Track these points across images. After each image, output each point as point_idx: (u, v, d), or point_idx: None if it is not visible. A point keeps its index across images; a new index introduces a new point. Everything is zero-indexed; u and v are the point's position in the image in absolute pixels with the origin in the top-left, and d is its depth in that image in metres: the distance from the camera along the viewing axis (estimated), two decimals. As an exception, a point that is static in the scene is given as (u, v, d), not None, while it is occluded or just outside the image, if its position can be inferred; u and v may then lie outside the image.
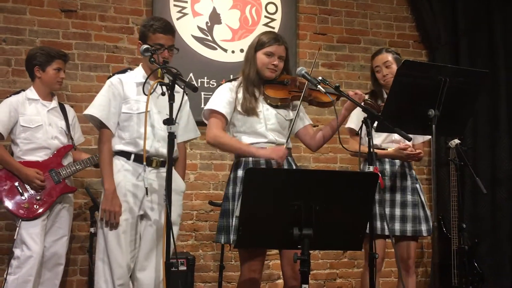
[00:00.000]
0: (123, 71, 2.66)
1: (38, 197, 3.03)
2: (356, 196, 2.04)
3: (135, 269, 2.55)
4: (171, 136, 2.27)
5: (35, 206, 3.01)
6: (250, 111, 2.52)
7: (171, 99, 2.29)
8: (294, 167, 2.60)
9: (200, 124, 3.51)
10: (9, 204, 2.98)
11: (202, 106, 3.85)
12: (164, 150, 2.56)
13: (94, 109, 2.57)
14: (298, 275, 2.02)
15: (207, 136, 2.56)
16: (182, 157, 2.74)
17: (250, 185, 1.90)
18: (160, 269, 2.54)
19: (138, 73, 2.64)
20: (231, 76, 3.99)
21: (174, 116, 2.29)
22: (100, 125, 2.58)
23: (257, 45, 2.58)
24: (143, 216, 2.57)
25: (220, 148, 2.65)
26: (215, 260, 3.81)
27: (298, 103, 2.59)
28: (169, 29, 2.59)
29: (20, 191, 3.01)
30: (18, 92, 3.19)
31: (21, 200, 3.01)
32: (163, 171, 2.59)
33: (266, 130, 2.55)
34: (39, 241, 2.97)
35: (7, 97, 3.17)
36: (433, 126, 2.40)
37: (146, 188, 2.49)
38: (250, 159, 2.52)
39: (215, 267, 3.75)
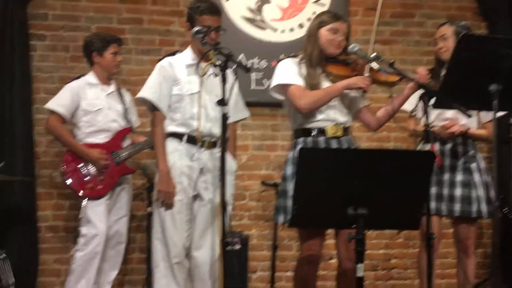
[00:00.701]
0: (173, 53, 2.70)
1: (101, 178, 3.14)
2: (413, 175, 1.98)
3: (191, 248, 2.62)
4: (225, 117, 2.28)
5: (98, 186, 3.12)
6: (314, 87, 2.45)
7: (224, 81, 2.29)
8: (353, 147, 2.55)
9: (249, 104, 3.54)
10: (74, 184, 3.11)
11: (252, 87, 3.84)
12: (215, 130, 2.60)
13: (146, 92, 2.62)
14: (352, 255, 2.00)
15: (298, 105, 2.43)
16: (232, 137, 2.76)
17: (303, 165, 1.88)
18: (215, 247, 2.59)
19: (188, 55, 2.66)
20: (282, 55, 3.97)
21: (226, 97, 2.30)
22: (152, 108, 2.63)
23: (320, 22, 2.51)
24: (197, 196, 2.62)
25: (318, 106, 2.45)
26: (267, 239, 3.84)
27: None
28: (215, 10, 2.59)
29: (84, 172, 3.14)
30: (78, 78, 3.29)
31: (85, 180, 3.13)
32: (216, 151, 2.63)
33: (327, 107, 2.49)
34: (104, 220, 3.09)
35: (68, 82, 3.29)
36: (495, 101, 2.28)
37: (201, 169, 2.54)
38: (309, 139, 2.46)
39: (268, 246, 3.77)
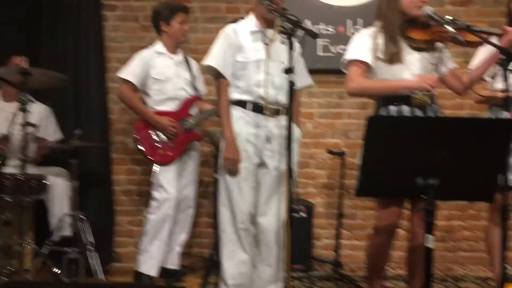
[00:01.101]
0: (235, 21, 2.68)
1: (171, 144, 3.24)
2: (489, 144, 1.86)
3: (256, 214, 2.64)
4: (291, 85, 2.24)
5: (168, 152, 3.22)
6: (394, 57, 2.36)
7: (291, 48, 2.25)
8: (439, 115, 2.44)
9: (315, 71, 3.47)
10: (146, 150, 3.22)
11: (318, 53, 3.76)
12: (280, 98, 2.58)
13: (210, 59, 2.63)
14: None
15: (347, 87, 2.44)
16: (296, 105, 2.72)
17: (371, 133, 1.82)
18: (280, 214, 2.61)
19: (251, 22, 2.63)
20: (349, 21, 3.85)
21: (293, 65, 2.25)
22: (217, 75, 2.63)
23: None
24: (262, 164, 2.62)
25: (365, 94, 2.50)
26: (332, 208, 3.81)
27: (441, 45, 2.41)
28: None
29: (155, 138, 3.24)
30: (147, 47, 3.37)
31: (157, 146, 3.23)
32: (281, 119, 2.61)
33: (412, 76, 2.39)
34: (174, 184, 3.19)
35: (138, 52, 3.38)
36: None
37: (267, 137, 2.53)
38: (392, 108, 2.38)
39: (333, 215, 3.75)
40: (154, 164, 3.22)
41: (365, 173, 1.90)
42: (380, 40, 2.41)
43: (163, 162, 3.21)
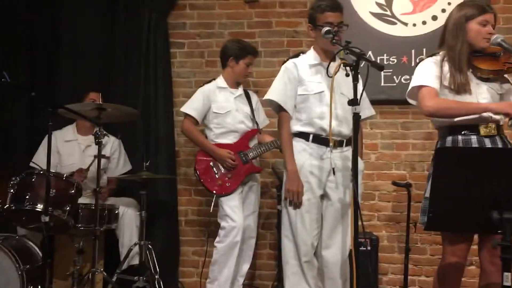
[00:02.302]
0: (296, 55, 2.72)
1: (229, 176, 3.28)
2: None
3: (320, 247, 2.61)
4: (356, 117, 2.24)
5: (227, 184, 3.27)
6: (461, 87, 2.30)
7: (355, 79, 2.25)
8: (508, 145, 2.33)
9: (379, 102, 3.41)
10: (205, 181, 3.29)
11: (382, 84, 3.71)
12: (342, 129, 2.58)
13: (272, 93, 2.67)
14: (496, 259, 1.82)
15: (424, 106, 2.31)
16: (360, 136, 2.68)
17: (441, 165, 1.76)
18: (345, 247, 2.57)
19: (311, 56, 2.67)
20: (412, 51, 3.79)
21: (358, 97, 2.25)
22: (279, 109, 2.67)
23: (468, 15, 2.33)
24: (324, 196, 2.60)
25: (444, 114, 2.32)
26: (399, 241, 3.67)
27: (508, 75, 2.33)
28: (336, 6, 2.55)
29: (214, 170, 3.30)
30: (210, 81, 3.47)
31: (215, 177, 3.29)
32: (345, 150, 2.60)
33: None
34: (239, 212, 3.23)
35: (201, 86, 3.48)
36: None
37: (333, 169, 2.51)
38: (459, 137, 2.31)
39: (400, 249, 3.62)
40: (215, 195, 3.26)
41: (435, 206, 1.83)
42: (446, 68, 2.34)
43: (221, 193, 3.26)
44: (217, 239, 3.25)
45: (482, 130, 2.28)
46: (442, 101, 2.32)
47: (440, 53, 2.41)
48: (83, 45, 3.94)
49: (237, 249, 3.19)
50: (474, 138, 2.29)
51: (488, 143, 2.27)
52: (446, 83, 2.34)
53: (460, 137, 2.31)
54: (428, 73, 2.37)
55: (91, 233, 3.08)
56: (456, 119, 2.31)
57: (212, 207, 3.31)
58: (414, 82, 2.41)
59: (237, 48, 3.39)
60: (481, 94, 2.33)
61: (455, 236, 2.26)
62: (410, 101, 2.49)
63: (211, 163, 3.31)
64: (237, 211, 3.23)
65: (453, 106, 2.31)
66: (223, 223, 3.24)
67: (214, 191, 3.28)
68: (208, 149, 3.32)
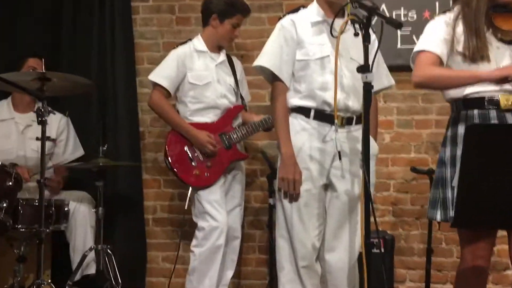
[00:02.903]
0: (295, 10, 2.68)
1: (208, 164, 3.28)
2: None
3: (323, 250, 2.62)
4: (367, 87, 2.22)
5: (205, 173, 3.27)
6: (477, 53, 2.30)
7: (366, 40, 2.23)
8: None
9: (395, 68, 3.41)
10: (179, 170, 3.29)
11: (399, 46, 3.71)
12: (351, 103, 2.57)
13: (264, 59, 2.65)
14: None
15: (412, 76, 2.41)
16: (373, 112, 2.69)
17: (472, 146, 1.77)
18: (353, 249, 2.58)
19: (313, 11, 2.64)
20: (436, 3, 3.79)
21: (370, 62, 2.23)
22: (272, 78, 2.65)
23: None
24: (328, 186, 2.61)
25: (435, 85, 2.45)
26: (419, 242, 3.72)
27: None
28: None
29: (190, 156, 3.29)
30: (185, 42, 3.44)
31: (191, 166, 3.28)
32: (355, 129, 2.59)
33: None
34: (221, 208, 3.24)
35: (174, 48, 3.44)
36: None
37: (339, 152, 2.51)
38: (475, 112, 2.33)
39: (421, 251, 3.66)
40: (191, 188, 3.27)
41: (464, 198, 1.85)
42: (460, 29, 2.36)
43: (199, 186, 3.25)
44: (194, 242, 3.26)
45: (503, 103, 2.30)
46: (433, 69, 2.34)
47: (455, 9, 2.41)
48: (22, 2, 3.89)
49: (220, 254, 3.20)
50: (493, 112, 2.31)
51: (510, 119, 2.30)
52: (459, 48, 2.35)
53: (475, 112, 2.33)
54: (433, 35, 2.37)
55: (34, 235, 3.06)
56: (466, 91, 2.33)
57: (187, 202, 3.31)
58: (417, 45, 2.44)
59: (224, 4, 3.34)
60: (503, 61, 2.33)
61: (475, 233, 2.28)
62: (412, 65, 2.49)
63: (185, 148, 3.30)
64: (218, 208, 3.23)
65: (444, 74, 2.34)
66: (201, 223, 3.24)
67: (190, 183, 3.27)
68: (182, 130, 3.30)
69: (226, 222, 3.23)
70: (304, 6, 2.70)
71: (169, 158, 3.30)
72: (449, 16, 2.41)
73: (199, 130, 3.29)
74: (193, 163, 3.28)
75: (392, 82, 2.81)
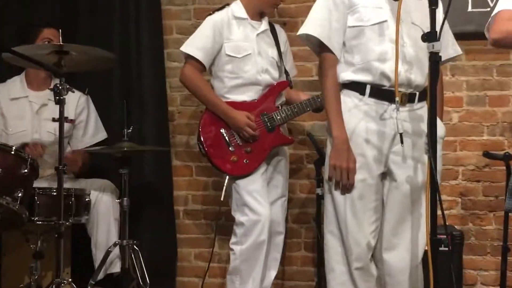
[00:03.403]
0: None
1: (248, 149, 3.29)
2: None
3: (380, 248, 2.62)
4: (435, 58, 2.20)
5: (244, 160, 3.28)
6: None
7: (434, 3, 2.22)
8: None
9: (465, 36, 3.34)
10: (213, 156, 3.30)
11: (469, 9, 3.65)
12: (414, 76, 2.55)
13: (310, 26, 2.63)
14: None
15: (491, 32, 2.47)
16: (438, 87, 2.64)
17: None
18: (416, 248, 2.58)
19: None
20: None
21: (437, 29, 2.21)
22: (320, 48, 2.64)
23: None
24: (386, 175, 2.60)
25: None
26: (493, 238, 3.68)
27: None
28: None
29: (227, 140, 3.30)
30: (221, 8, 3.42)
31: (228, 151, 3.29)
32: (418, 107, 2.58)
33: None
34: (264, 200, 3.25)
35: (209, 14, 3.42)
36: None
37: (401, 134, 2.49)
38: None
39: (494, 250, 3.63)
40: (227, 176, 3.28)
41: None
42: None
43: (237, 174, 3.27)
44: (233, 239, 3.29)
45: None
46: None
47: None
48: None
49: (263, 252, 3.23)
50: None
51: None
52: None
53: None
54: None
55: (52, 229, 3.11)
56: None
57: (223, 193, 3.32)
58: (497, 6, 2.48)
59: None
60: None
61: None
62: (486, 34, 2.55)
63: (222, 130, 3.31)
64: (260, 199, 3.25)
65: None
66: (240, 217, 3.26)
67: (226, 171, 3.29)
68: (218, 109, 3.31)
69: (268, 215, 3.24)
70: None
71: (203, 142, 3.32)
72: None
73: (237, 110, 3.29)
74: (230, 148, 3.30)
75: (460, 51, 2.79)
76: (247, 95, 3.35)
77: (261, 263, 3.23)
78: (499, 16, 2.45)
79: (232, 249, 3.29)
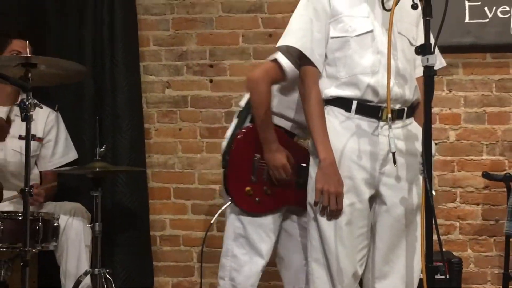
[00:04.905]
0: None
1: (268, 190, 3.02)
2: None
3: (372, 278, 2.61)
4: (429, 72, 2.21)
5: (256, 198, 3.02)
6: None
7: (428, 14, 2.23)
8: None
9: (462, 49, 3.38)
10: (231, 175, 3.03)
11: (467, 19, 3.68)
12: (402, 91, 2.55)
13: (291, 37, 2.62)
14: None
15: None
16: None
17: None
18: (410, 276, 2.57)
19: None
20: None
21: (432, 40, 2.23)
22: (301, 61, 2.63)
23: None
24: (376, 198, 2.59)
25: None
26: (493, 266, 3.71)
27: None
28: None
29: (255, 166, 3.03)
30: None
31: (248, 179, 3.02)
32: (408, 123, 2.59)
33: None
34: (270, 238, 3.02)
35: None
36: None
37: (393, 154, 2.48)
38: None
39: (495, 277, 3.65)
40: (230, 202, 3.04)
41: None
42: None
43: (240, 207, 3.03)
44: (222, 273, 3.06)
45: None
46: None
47: None
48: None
49: None
50: None
51: None
52: None
53: None
54: None
55: (17, 257, 3.10)
56: None
57: (215, 216, 3.13)
58: None
59: None
60: None
61: None
62: None
63: (256, 155, 3.02)
64: (266, 238, 3.01)
65: None
66: (236, 250, 3.03)
67: (233, 198, 3.02)
68: (265, 134, 2.97)
69: (270, 254, 3.04)
70: None
71: (231, 153, 3.06)
72: None
73: (281, 149, 2.99)
74: (252, 177, 3.05)
75: (444, 63, 2.76)
76: None
77: None
78: None
79: (219, 285, 3.08)
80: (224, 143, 3.08)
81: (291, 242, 3.10)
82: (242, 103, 3.14)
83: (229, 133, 3.10)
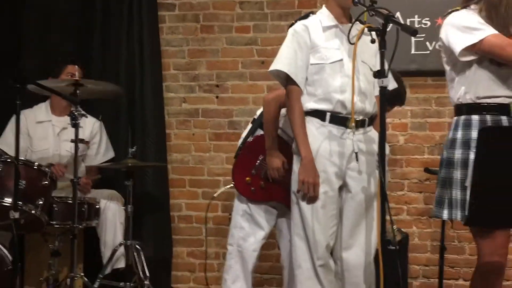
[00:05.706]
0: (305, 16, 2.66)
1: (262, 184, 2.99)
2: None
3: (339, 248, 2.60)
4: (383, 91, 2.20)
5: (252, 188, 2.99)
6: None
7: (383, 47, 2.21)
8: None
9: (409, 73, 3.35)
10: (238, 165, 3.00)
11: (413, 51, 3.66)
12: (364, 105, 2.55)
13: (280, 63, 2.60)
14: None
15: (506, 52, 2.28)
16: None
17: (486, 148, 1.74)
18: (369, 247, 2.57)
19: (323, 16, 2.61)
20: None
21: (386, 67, 2.21)
22: (287, 82, 2.62)
23: None
24: (343, 187, 2.59)
25: None
26: (432, 239, 3.68)
27: None
28: None
29: (257, 164, 3.01)
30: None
31: (249, 172, 3.00)
32: (369, 130, 2.58)
33: (509, 77, 2.32)
34: (271, 216, 3.00)
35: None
36: None
37: (356, 154, 2.48)
38: (488, 117, 2.32)
39: (433, 248, 3.62)
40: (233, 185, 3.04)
41: (478, 198, 1.81)
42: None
43: (239, 191, 3.01)
44: (231, 240, 3.04)
45: None
46: None
47: (472, 6, 2.38)
48: (53, 7, 3.92)
49: (256, 257, 3.03)
50: (504, 119, 2.31)
51: None
52: None
53: (488, 117, 2.31)
54: (474, 22, 2.32)
55: (68, 231, 3.09)
56: (482, 99, 2.32)
57: (219, 191, 3.11)
58: (466, 39, 2.31)
59: None
60: None
61: (490, 230, 2.25)
62: (464, 58, 2.36)
63: (260, 157, 3.00)
64: (267, 216, 3.01)
65: None
66: (242, 222, 3.01)
67: (235, 183, 3.01)
68: (269, 143, 2.93)
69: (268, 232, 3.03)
70: (313, 13, 2.67)
71: (244, 145, 3.04)
72: (467, 11, 2.38)
73: (280, 156, 2.93)
74: (253, 171, 3.03)
75: (395, 85, 2.73)
76: None
77: (252, 266, 3.03)
78: (493, 38, 2.29)
79: (228, 249, 3.06)
80: (240, 141, 3.10)
81: (286, 221, 3.04)
82: (258, 112, 3.13)
83: (244, 134, 3.12)
